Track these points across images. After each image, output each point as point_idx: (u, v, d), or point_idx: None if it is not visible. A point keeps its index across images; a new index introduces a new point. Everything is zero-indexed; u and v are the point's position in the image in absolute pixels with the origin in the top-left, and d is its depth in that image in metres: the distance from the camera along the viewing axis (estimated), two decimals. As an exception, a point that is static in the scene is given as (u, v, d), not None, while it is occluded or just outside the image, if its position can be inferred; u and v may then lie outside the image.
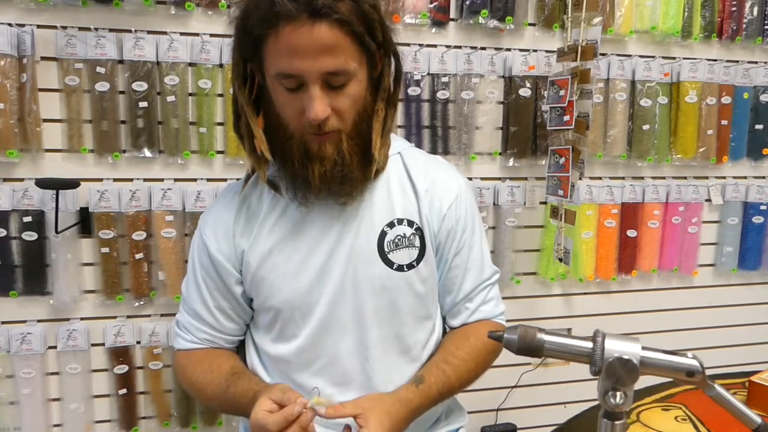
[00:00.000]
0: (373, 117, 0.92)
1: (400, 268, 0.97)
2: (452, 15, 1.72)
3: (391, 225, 0.97)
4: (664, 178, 1.96)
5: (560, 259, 1.72)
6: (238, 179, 1.58)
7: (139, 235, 1.55)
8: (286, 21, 0.80)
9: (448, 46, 1.72)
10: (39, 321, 1.55)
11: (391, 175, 1.00)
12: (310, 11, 0.80)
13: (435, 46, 1.71)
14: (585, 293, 1.96)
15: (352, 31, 0.83)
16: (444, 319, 1.10)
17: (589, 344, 0.63)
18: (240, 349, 1.09)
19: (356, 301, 0.96)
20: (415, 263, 0.98)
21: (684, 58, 1.89)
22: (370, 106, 0.92)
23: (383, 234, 0.96)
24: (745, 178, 2.04)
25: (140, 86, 1.51)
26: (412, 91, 1.69)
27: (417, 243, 0.98)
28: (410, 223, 0.98)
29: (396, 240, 0.97)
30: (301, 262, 0.96)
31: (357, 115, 0.90)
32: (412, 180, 1.00)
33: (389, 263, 0.96)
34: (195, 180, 1.60)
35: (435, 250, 1.02)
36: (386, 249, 0.96)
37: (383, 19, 0.89)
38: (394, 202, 0.98)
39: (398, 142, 1.05)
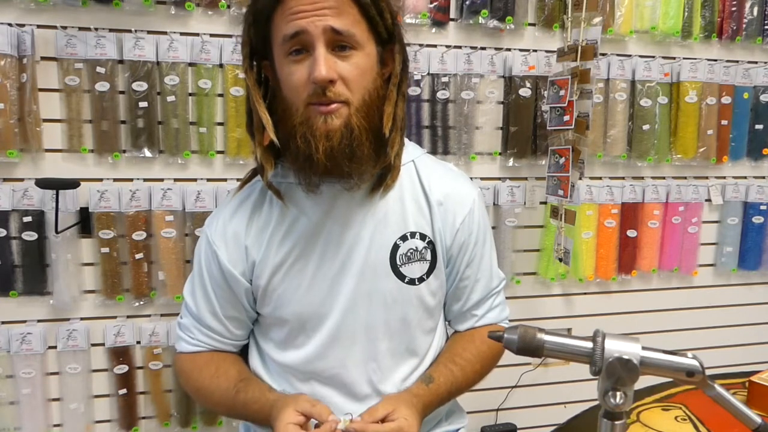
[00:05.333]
0: (385, 102, 0.90)
1: (411, 282, 0.96)
2: (452, 15, 1.72)
3: (404, 238, 0.95)
4: (664, 178, 1.96)
5: (560, 259, 1.72)
6: (238, 179, 1.60)
7: (139, 235, 1.55)
8: None
9: (448, 46, 1.72)
10: (39, 321, 1.55)
11: (405, 186, 0.97)
12: None
13: (435, 46, 1.71)
14: (585, 293, 1.96)
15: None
16: (448, 322, 1.10)
17: (589, 344, 0.63)
18: (243, 350, 1.08)
19: (367, 314, 0.95)
20: (425, 276, 0.97)
21: (684, 58, 1.89)
22: (381, 90, 0.90)
23: (396, 247, 0.95)
24: (745, 178, 2.04)
25: (140, 86, 1.51)
26: (412, 91, 1.69)
27: (428, 256, 0.97)
28: (422, 237, 0.97)
29: (408, 253, 0.96)
30: (313, 274, 0.94)
31: (366, 92, 0.87)
32: (426, 192, 0.98)
33: (401, 276, 0.95)
34: (195, 180, 1.60)
35: (446, 263, 1.01)
36: (398, 262, 0.95)
37: (391, 6, 0.89)
38: (407, 215, 0.96)
39: (411, 149, 1.02)
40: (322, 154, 0.84)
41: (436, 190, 0.99)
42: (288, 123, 0.88)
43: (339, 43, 0.84)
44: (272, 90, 0.93)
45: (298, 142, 0.86)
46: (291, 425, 0.82)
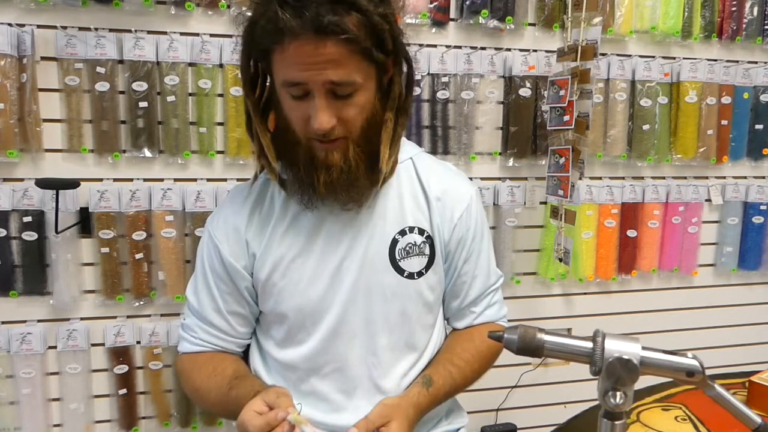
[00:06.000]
0: (382, 126, 0.90)
1: (410, 276, 0.97)
2: (452, 15, 1.72)
3: (402, 233, 0.97)
4: (664, 178, 1.96)
5: (560, 259, 1.72)
6: (238, 179, 1.60)
7: (139, 235, 1.55)
8: (291, 37, 0.79)
9: (448, 46, 1.72)
10: (39, 321, 1.55)
11: (403, 182, 0.99)
12: (315, 29, 0.77)
13: (435, 46, 1.71)
14: (585, 293, 1.96)
15: (359, 46, 0.81)
16: (447, 320, 1.11)
17: (589, 344, 0.63)
18: (245, 353, 1.08)
19: (367, 309, 0.96)
20: (424, 271, 0.98)
21: (684, 58, 1.89)
22: (380, 114, 0.90)
23: (395, 242, 0.96)
24: (745, 178, 2.04)
25: (140, 86, 1.51)
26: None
27: (427, 251, 0.98)
28: (421, 231, 0.98)
29: (407, 248, 0.97)
30: (313, 269, 0.95)
31: (365, 122, 0.88)
32: (424, 187, 0.99)
33: (400, 271, 0.96)
34: (195, 180, 1.60)
35: (444, 258, 1.02)
36: (397, 257, 0.96)
37: (394, 27, 0.87)
38: (405, 210, 0.98)
39: (408, 147, 1.03)
40: (322, 186, 0.88)
41: (434, 186, 1.00)
42: (291, 147, 0.90)
43: (339, 91, 0.83)
44: (272, 88, 0.92)
45: (301, 170, 0.89)
46: (251, 411, 0.82)
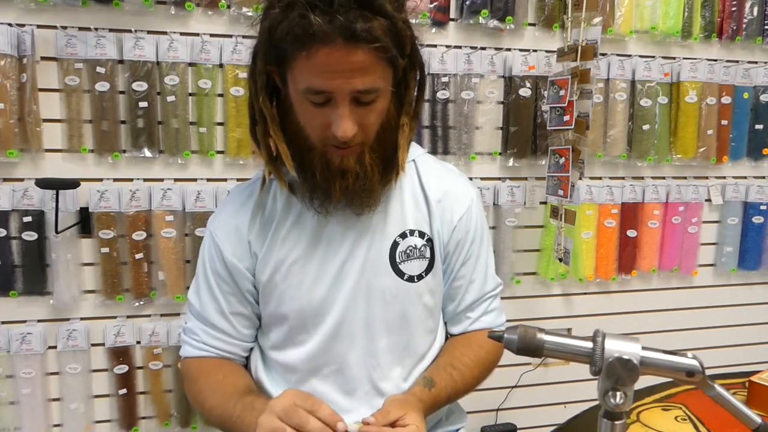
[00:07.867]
0: (398, 131, 0.90)
1: (410, 279, 0.97)
2: (452, 15, 1.72)
3: (403, 236, 0.97)
4: (664, 178, 1.96)
5: (560, 259, 1.72)
6: (238, 179, 1.60)
7: (139, 235, 1.55)
8: (320, 44, 0.77)
9: (448, 46, 1.72)
10: (39, 321, 1.55)
11: (405, 185, 0.99)
12: (347, 36, 0.76)
13: (435, 46, 1.71)
14: (585, 293, 1.96)
15: (386, 53, 0.81)
16: (445, 324, 1.10)
17: (589, 344, 0.63)
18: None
19: (367, 311, 0.96)
20: (424, 274, 0.98)
21: (684, 58, 1.89)
22: (394, 118, 0.90)
23: (395, 244, 0.96)
24: (745, 178, 2.04)
25: (140, 86, 1.51)
26: (412, 91, 1.69)
27: (427, 254, 0.98)
28: (421, 234, 0.98)
29: (407, 251, 0.97)
30: (316, 271, 0.95)
31: (380, 126, 0.88)
32: (425, 190, 0.99)
33: (400, 274, 0.96)
34: (195, 180, 1.60)
35: (443, 260, 1.01)
36: (398, 259, 0.96)
37: (413, 33, 0.87)
38: (406, 213, 0.97)
39: (412, 148, 1.02)
40: (339, 192, 0.88)
41: (434, 188, 1.00)
42: (304, 153, 0.89)
43: (363, 98, 0.83)
44: (278, 92, 0.91)
45: (317, 177, 0.88)
46: (299, 409, 0.80)
